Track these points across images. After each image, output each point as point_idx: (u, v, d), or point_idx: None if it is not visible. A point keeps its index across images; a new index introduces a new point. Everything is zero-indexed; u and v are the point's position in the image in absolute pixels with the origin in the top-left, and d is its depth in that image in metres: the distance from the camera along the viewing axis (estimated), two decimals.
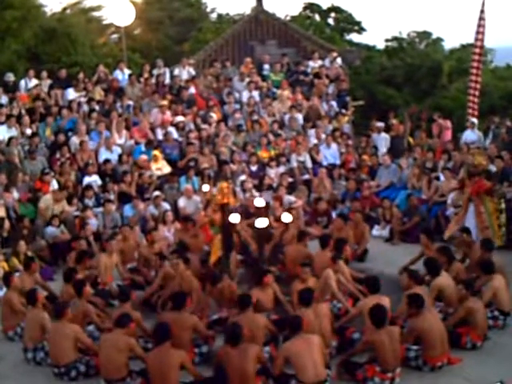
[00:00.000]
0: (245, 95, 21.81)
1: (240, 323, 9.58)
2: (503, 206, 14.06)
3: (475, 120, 20.40)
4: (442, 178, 16.79)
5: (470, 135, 19.56)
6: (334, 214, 16.30)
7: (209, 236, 14.60)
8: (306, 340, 9.14)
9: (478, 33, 20.99)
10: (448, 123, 20.61)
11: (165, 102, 20.24)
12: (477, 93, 20.92)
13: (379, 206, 16.51)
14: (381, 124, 20.95)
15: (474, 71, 21.06)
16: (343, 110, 21.85)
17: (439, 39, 44.77)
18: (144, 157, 18.01)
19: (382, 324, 9.39)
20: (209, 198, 15.58)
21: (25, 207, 15.96)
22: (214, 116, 20.38)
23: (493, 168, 15.89)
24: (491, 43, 40.52)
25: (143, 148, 18.50)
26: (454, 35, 64.60)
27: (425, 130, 20.38)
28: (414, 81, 37.73)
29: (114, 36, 39.36)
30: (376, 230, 16.07)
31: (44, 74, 21.22)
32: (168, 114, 19.99)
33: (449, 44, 45.44)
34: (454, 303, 10.77)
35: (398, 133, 20.03)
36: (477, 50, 21.10)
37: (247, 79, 22.43)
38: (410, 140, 20.17)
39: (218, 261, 12.84)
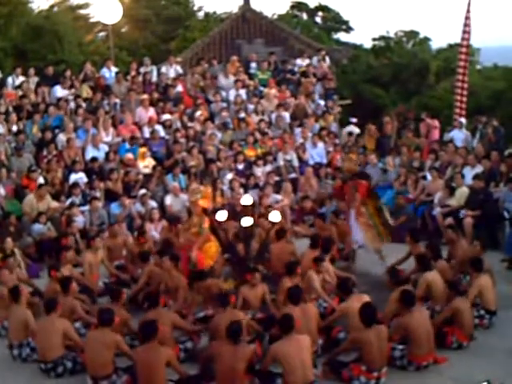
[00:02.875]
0: (232, 93, 21.78)
1: (221, 320, 9.59)
2: (382, 205, 14.04)
3: (463, 120, 20.45)
4: (428, 177, 16.82)
5: (457, 135, 19.61)
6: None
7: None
8: (296, 341, 9.01)
9: (464, 32, 21.05)
10: (436, 122, 20.66)
11: (145, 96, 20.21)
12: (464, 92, 20.97)
13: None
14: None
15: (461, 71, 21.11)
16: (330, 109, 21.87)
17: (426, 39, 44.94)
18: (130, 155, 17.97)
19: (371, 323, 9.38)
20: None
21: (11, 204, 15.90)
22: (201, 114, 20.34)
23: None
24: (478, 43, 40.70)
25: (128, 145, 18.46)
26: (441, 35, 64.91)
27: (412, 130, 20.41)
28: (401, 80, 37.86)
29: (101, 34, 39.33)
30: None
31: (31, 71, 21.12)
32: (151, 109, 19.97)
33: (436, 44, 45.66)
34: (441, 300, 10.82)
35: (385, 132, 20.05)
36: (463, 50, 21.16)
37: (234, 77, 22.42)
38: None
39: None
